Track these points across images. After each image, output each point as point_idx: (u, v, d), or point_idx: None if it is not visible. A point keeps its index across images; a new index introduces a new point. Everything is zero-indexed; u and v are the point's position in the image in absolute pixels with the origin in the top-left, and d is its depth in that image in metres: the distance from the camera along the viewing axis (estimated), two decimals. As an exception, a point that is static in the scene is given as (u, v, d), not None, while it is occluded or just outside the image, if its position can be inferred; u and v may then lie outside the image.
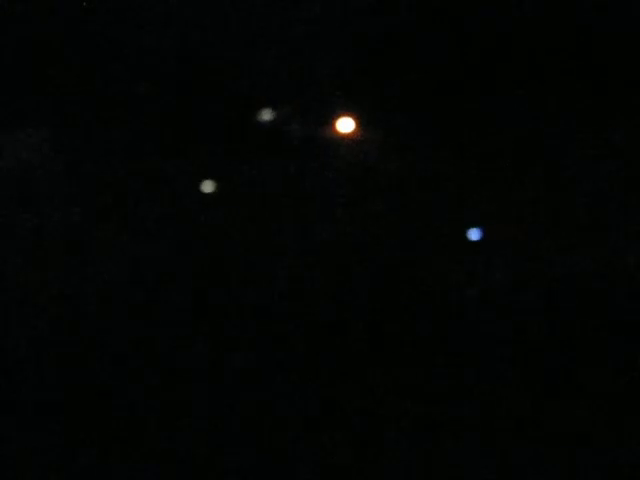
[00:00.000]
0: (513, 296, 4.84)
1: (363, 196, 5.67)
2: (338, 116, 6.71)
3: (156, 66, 6.66)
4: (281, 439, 3.79)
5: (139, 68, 6.65)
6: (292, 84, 6.72)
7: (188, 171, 5.63)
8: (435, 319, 4.58)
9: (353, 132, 6.92)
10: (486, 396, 4.07)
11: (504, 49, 6.69)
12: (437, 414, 3.90)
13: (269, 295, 5.06)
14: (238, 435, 3.88)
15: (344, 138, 7.05)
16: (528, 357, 4.28)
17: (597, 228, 5.25)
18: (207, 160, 5.85)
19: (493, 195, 5.54)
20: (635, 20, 6.27)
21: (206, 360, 4.20)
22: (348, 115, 6.78)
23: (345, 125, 6.87)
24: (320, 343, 4.42)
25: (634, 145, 5.94)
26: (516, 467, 3.92)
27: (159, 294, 4.79)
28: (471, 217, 5.21)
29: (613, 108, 6.10)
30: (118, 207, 5.52)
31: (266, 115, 6.51)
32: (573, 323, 4.54)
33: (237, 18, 6.62)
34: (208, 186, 5.61)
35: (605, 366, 4.30)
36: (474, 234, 5.30)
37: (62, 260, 5.13)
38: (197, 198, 5.32)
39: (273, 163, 5.92)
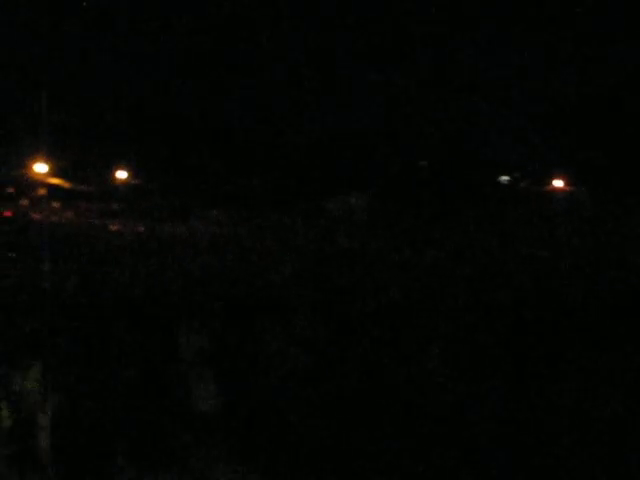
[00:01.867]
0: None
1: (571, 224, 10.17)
2: (552, 178, 11.58)
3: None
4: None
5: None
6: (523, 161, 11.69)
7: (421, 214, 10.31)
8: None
9: (563, 186, 11.73)
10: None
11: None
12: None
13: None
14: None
15: (556, 190, 11.91)
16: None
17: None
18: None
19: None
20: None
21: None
22: (559, 178, 11.59)
23: (557, 182, 11.68)
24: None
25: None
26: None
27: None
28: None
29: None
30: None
31: (505, 177, 11.49)
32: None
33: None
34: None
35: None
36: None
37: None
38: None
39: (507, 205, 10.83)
